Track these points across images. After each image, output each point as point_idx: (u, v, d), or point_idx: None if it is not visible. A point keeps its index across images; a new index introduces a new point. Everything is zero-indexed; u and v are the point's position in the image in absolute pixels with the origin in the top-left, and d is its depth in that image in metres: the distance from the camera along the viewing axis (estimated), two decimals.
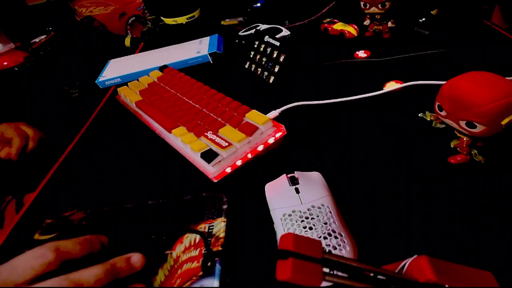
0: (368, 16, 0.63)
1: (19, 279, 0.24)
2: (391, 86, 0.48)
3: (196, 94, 0.51)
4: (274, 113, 0.46)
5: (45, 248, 0.26)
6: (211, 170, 0.38)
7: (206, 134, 0.42)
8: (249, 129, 0.41)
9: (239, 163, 0.40)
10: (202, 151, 0.39)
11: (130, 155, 0.47)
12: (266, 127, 0.42)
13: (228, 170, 0.39)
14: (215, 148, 0.40)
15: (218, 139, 0.40)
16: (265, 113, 0.45)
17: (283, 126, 0.43)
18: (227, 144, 0.39)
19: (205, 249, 0.31)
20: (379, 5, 0.58)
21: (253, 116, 0.43)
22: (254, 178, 0.38)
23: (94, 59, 0.69)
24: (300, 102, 0.46)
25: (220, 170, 0.39)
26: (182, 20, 0.83)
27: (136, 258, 0.29)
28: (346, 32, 0.64)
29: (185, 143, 0.42)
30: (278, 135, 0.43)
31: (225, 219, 0.34)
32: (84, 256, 0.27)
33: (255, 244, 0.32)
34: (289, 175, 0.35)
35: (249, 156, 0.41)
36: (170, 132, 0.44)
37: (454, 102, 0.32)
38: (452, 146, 0.36)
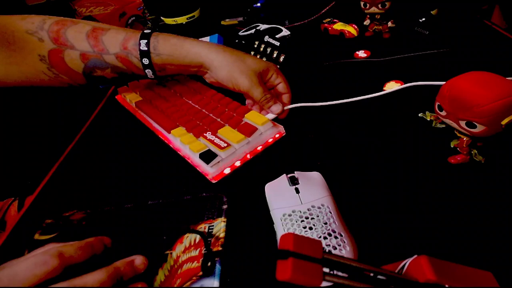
0: (368, 16, 0.63)
1: (22, 286, 0.24)
2: (391, 86, 0.48)
3: (196, 94, 0.51)
4: (272, 115, 0.46)
5: (48, 254, 0.25)
6: (210, 171, 0.38)
7: (205, 134, 0.42)
8: (248, 130, 0.41)
9: (238, 163, 0.40)
10: (200, 152, 0.39)
11: (130, 155, 0.47)
12: (265, 128, 0.42)
13: (227, 171, 0.39)
14: (214, 148, 0.40)
15: (217, 140, 0.40)
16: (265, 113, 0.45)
17: (282, 126, 0.43)
18: (226, 145, 0.39)
19: (205, 249, 0.31)
20: (379, 5, 0.58)
21: (252, 117, 0.43)
22: (254, 178, 0.38)
23: None
24: (299, 104, 0.46)
25: (219, 171, 0.39)
26: (182, 20, 0.83)
27: (139, 261, 0.29)
28: (346, 32, 0.64)
29: (184, 143, 0.42)
30: (277, 135, 0.43)
31: (225, 219, 0.34)
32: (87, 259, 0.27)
33: (255, 244, 0.32)
34: (289, 175, 0.35)
35: (248, 156, 0.41)
36: (169, 132, 0.44)
37: (454, 102, 0.32)
38: (452, 146, 0.36)
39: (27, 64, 0.42)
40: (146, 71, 0.44)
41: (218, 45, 0.45)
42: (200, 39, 0.73)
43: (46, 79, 0.44)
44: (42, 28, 0.41)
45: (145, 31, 0.44)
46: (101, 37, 0.42)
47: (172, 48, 0.43)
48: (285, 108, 0.45)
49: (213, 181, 0.38)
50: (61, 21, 0.43)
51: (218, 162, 0.39)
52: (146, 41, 0.42)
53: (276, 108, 0.44)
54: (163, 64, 0.44)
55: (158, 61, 0.44)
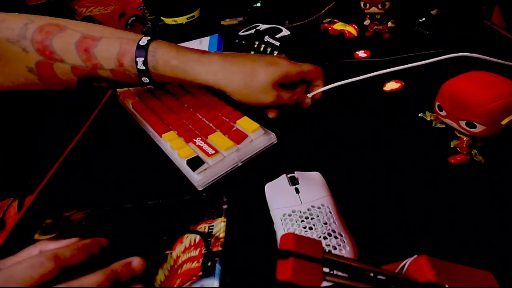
0: (368, 16, 0.63)
1: None
2: (391, 86, 0.48)
3: (191, 97, 0.51)
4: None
5: (44, 257, 0.25)
6: (196, 178, 0.38)
7: (194, 140, 0.42)
8: (238, 137, 0.41)
9: (226, 171, 0.40)
10: (188, 158, 0.39)
11: (130, 155, 0.47)
12: (256, 135, 0.42)
13: (214, 178, 0.39)
14: (202, 155, 0.40)
15: (205, 146, 0.40)
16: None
17: (273, 134, 0.42)
18: (213, 151, 0.39)
19: (205, 249, 0.31)
20: (379, 5, 0.58)
21: (244, 123, 0.43)
22: (254, 178, 0.38)
23: None
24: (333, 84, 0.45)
25: (205, 178, 0.38)
26: (182, 20, 0.83)
27: (136, 263, 0.29)
28: (346, 32, 0.64)
29: (173, 148, 0.41)
30: (268, 143, 0.42)
31: (225, 219, 0.34)
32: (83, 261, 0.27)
33: (255, 244, 0.32)
34: (289, 175, 0.35)
35: (237, 164, 0.40)
36: (160, 136, 0.44)
37: (454, 102, 0.32)
38: (452, 146, 0.36)
39: (16, 75, 0.40)
40: (148, 87, 0.41)
41: (224, 63, 0.40)
42: (200, 39, 0.73)
43: (39, 88, 0.42)
44: (25, 36, 0.38)
45: (140, 43, 0.39)
46: (92, 50, 0.38)
47: (174, 72, 0.40)
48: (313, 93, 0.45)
49: (199, 188, 0.38)
50: (45, 27, 0.39)
51: (205, 169, 0.39)
52: (143, 59, 0.38)
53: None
54: (166, 81, 0.42)
55: (159, 79, 0.41)
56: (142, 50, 0.39)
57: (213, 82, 0.40)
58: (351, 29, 0.64)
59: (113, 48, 0.39)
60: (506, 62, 0.44)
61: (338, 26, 0.66)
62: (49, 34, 0.39)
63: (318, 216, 0.30)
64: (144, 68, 0.39)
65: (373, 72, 0.43)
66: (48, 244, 0.28)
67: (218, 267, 0.29)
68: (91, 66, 0.39)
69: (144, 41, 0.40)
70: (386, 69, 0.42)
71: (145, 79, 0.40)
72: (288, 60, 0.43)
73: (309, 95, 0.44)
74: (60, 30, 0.39)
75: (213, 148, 0.40)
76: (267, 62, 0.41)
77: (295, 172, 0.35)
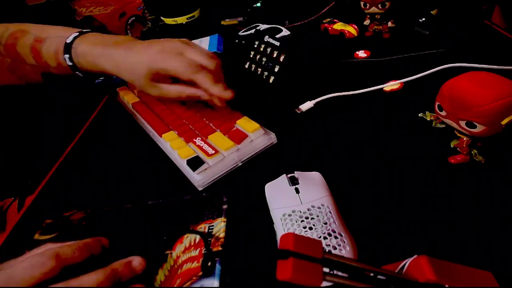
0: (368, 16, 0.63)
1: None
2: (391, 86, 0.48)
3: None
4: (309, 104, 0.46)
5: (45, 256, 0.25)
6: (196, 178, 0.38)
7: (194, 140, 0.42)
8: (238, 137, 0.41)
9: (226, 171, 0.40)
10: (188, 158, 0.39)
11: (130, 155, 0.47)
12: (256, 135, 0.42)
13: (214, 178, 0.39)
14: (202, 155, 0.40)
15: (205, 146, 0.40)
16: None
17: (273, 134, 0.42)
18: (213, 151, 0.39)
19: (205, 249, 0.31)
20: (379, 5, 0.58)
21: (244, 123, 0.43)
22: (254, 178, 0.38)
23: None
24: (334, 93, 0.48)
25: (205, 178, 0.38)
26: (182, 20, 0.83)
27: (137, 262, 0.29)
28: (346, 32, 0.64)
29: (173, 148, 0.41)
30: (268, 143, 0.42)
31: (225, 219, 0.34)
32: (84, 260, 0.27)
33: (255, 244, 0.32)
34: (289, 175, 0.35)
35: (237, 164, 0.40)
36: (160, 136, 0.44)
37: (454, 102, 0.32)
38: (452, 146, 0.36)
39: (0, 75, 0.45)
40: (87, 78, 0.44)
41: (118, 55, 0.42)
42: (200, 39, 0.73)
43: (24, 82, 0.46)
44: (1, 42, 0.43)
45: (67, 41, 0.42)
46: (40, 50, 0.42)
47: (89, 66, 0.42)
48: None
49: (200, 188, 0.38)
50: (15, 33, 0.42)
51: (205, 169, 0.39)
52: (68, 56, 0.41)
53: (225, 95, 0.41)
54: (94, 73, 0.43)
55: (87, 72, 0.43)
56: (68, 47, 0.41)
57: (116, 75, 0.42)
58: (351, 29, 0.64)
59: (52, 47, 0.42)
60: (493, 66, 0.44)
61: (338, 26, 0.66)
62: (16, 39, 0.43)
63: (318, 216, 0.30)
64: (71, 64, 0.42)
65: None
66: (53, 246, 0.28)
67: (218, 267, 0.29)
68: (42, 65, 0.43)
69: (70, 38, 0.42)
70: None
71: (79, 74, 0.43)
72: (163, 52, 0.41)
73: (301, 107, 0.46)
74: (23, 35, 0.43)
75: (213, 148, 0.40)
76: (143, 53, 0.41)
77: (295, 172, 0.35)
